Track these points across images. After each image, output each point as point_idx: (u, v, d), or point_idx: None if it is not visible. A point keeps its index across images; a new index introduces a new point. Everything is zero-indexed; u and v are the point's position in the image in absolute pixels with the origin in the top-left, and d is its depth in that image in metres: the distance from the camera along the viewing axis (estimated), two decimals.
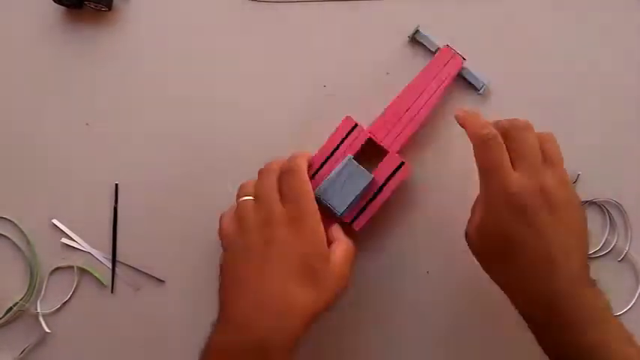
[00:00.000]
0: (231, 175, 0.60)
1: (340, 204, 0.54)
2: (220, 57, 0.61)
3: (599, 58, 0.61)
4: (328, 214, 0.54)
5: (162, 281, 0.59)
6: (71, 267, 0.59)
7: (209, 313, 0.59)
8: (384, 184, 0.55)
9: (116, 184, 0.60)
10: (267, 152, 0.60)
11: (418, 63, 0.60)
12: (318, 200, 0.53)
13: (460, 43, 0.61)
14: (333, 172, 0.54)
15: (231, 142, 0.61)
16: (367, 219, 0.55)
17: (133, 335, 0.59)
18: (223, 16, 0.62)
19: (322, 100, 0.61)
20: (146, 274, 0.59)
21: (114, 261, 0.59)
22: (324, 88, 0.61)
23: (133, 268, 0.59)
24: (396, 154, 0.56)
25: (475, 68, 0.60)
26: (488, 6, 0.62)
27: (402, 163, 0.56)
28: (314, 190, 0.52)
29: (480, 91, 0.59)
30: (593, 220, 0.60)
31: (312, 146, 0.60)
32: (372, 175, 0.55)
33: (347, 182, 0.54)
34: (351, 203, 0.54)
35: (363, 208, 0.55)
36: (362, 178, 0.54)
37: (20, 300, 0.58)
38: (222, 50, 0.61)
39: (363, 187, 0.54)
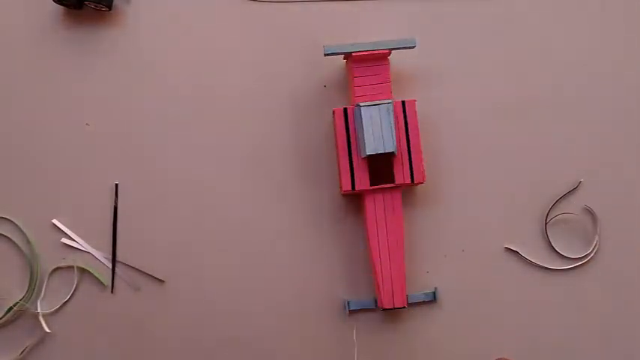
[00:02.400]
0: (232, 175, 0.60)
1: (389, 144, 0.55)
2: (220, 56, 0.61)
3: (602, 70, 0.62)
4: (384, 164, 0.57)
5: (162, 281, 0.59)
6: (71, 267, 0.59)
7: (209, 313, 0.59)
8: (408, 133, 0.57)
9: (116, 184, 0.60)
10: (268, 150, 0.61)
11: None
12: (373, 157, 0.55)
13: (461, 43, 0.62)
14: (361, 127, 0.56)
15: (231, 140, 0.61)
16: (421, 165, 0.57)
17: (133, 335, 0.59)
18: (223, 15, 0.62)
19: (322, 100, 0.61)
20: (146, 274, 0.59)
21: (114, 261, 0.59)
22: (324, 88, 0.61)
23: (133, 268, 0.60)
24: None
25: (474, 72, 0.61)
26: (488, 6, 0.62)
27: (403, 102, 0.57)
28: (361, 154, 0.55)
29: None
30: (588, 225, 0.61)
31: (314, 142, 0.60)
32: (391, 100, 0.56)
33: (379, 123, 0.55)
34: (394, 135, 0.56)
35: (410, 161, 0.57)
36: (385, 110, 0.56)
37: (20, 300, 0.58)
38: (222, 49, 0.61)
39: (393, 114, 0.56)
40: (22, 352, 0.58)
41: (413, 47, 0.57)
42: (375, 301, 0.59)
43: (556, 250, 0.60)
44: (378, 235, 0.57)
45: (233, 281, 0.59)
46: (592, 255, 0.60)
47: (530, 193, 0.61)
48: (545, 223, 0.60)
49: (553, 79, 0.62)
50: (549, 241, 0.60)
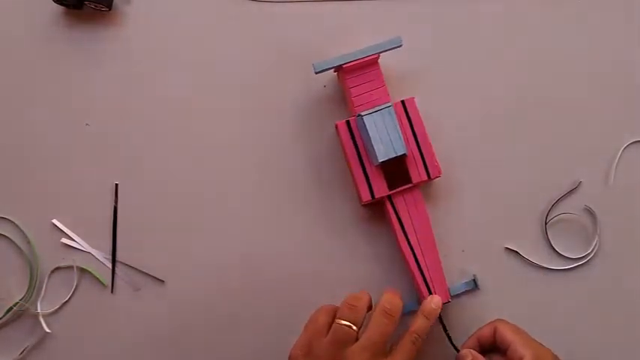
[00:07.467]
0: (232, 174, 0.60)
1: (399, 146, 0.55)
2: (220, 56, 0.61)
3: (602, 69, 0.62)
4: (399, 168, 0.57)
5: (162, 281, 0.59)
6: (71, 267, 0.59)
7: (209, 313, 0.59)
8: (414, 131, 0.57)
9: (116, 184, 0.60)
10: (268, 149, 0.60)
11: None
12: (386, 162, 0.55)
13: (455, 43, 0.62)
14: (367, 136, 0.55)
15: (230, 140, 0.61)
16: (434, 159, 0.57)
17: (133, 335, 0.59)
18: (223, 15, 0.62)
19: (322, 100, 0.61)
20: (146, 274, 0.59)
21: (114, 261, 0.59)
22: (324, 89, 0.61)
23: (133, 268, 0.60)
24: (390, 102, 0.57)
25: (481, 67, 0.61)
26: (486, 6, 0.62)
27: (403, 101, 0.58)
28: (374, 163, 0.55)
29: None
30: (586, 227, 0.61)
31: (313, 144, 0.60)
32: (390, 102, 0.56)
33: (384, 129, 0.55)
34: (401, 137, 0.56)
35: (423, 158, 0.57)
36: (387, 114, 0.55)
37: (20, 300, 0.58)
38: (222, 50, 0.61)
39: (395, 116, 0.55)
40: (22, 352, 0.58)
41: (400, 46, 0.56)
42: (418, 301, 0.58)
43: (556, 250, 0.60)
44: (407, 237, 0.57)
45: (233, 282, 0.59)
46: (592, 255, 0.60)
47: (530, 193, 0.61)
48: (545, 223, 0.60)
49: (553, 79, 0.62)
50: (549, 241, 0.60)
